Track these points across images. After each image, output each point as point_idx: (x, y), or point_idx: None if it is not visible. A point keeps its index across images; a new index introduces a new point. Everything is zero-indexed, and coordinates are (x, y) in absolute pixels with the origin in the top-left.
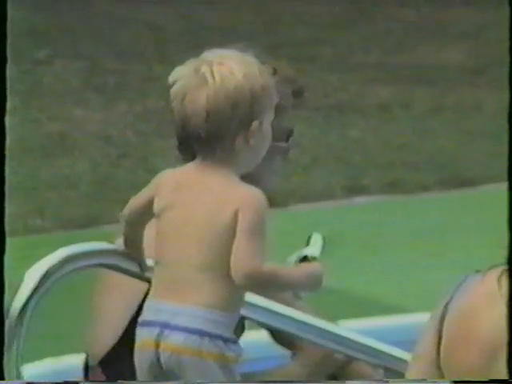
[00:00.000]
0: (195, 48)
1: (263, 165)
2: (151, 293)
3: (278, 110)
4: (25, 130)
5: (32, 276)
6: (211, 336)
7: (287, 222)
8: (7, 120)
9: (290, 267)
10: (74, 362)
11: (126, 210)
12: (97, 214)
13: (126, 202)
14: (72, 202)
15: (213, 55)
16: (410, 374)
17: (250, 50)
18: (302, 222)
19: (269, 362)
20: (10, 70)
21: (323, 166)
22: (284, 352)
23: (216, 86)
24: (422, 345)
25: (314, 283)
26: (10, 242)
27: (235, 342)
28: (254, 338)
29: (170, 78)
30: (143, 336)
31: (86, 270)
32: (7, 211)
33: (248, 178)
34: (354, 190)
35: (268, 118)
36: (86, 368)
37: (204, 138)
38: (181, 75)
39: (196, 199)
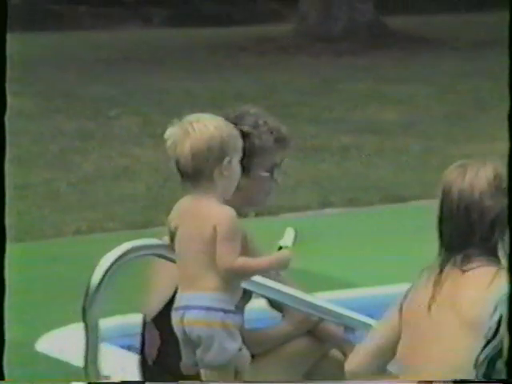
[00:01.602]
0: (217, 108)
1: (259, 189)
2: (178, 287)
3: (262, 151)
4: (101, 163)
5: (106, 261)
6: (215, 310)
7: (278, 227)
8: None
9: (260, 257)
10: (135, 319)
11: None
12: (150, 219)
13: (169, 211)
14: (133, 212)
15: (192, 117)
16: (374, 331)
17: (254, 108)
18: (288, 225)
19: (267, 321)
20: (91, 124)
21: (303, 187)
22: (277, 315)
23: (195, 136)
24: (389, 315)
25: (281, 266)
26: (92, 237)
27: (235, 313)
28: (257, 305)
29: (165, 136)
30: (174, 318)
31: (143, 258)
32: (91, 217)
33: (248, 198)
34: (325, 204)
35: (236, 156)
36: (144, 323)
37: (191, 174)
38: (171, 133)
39: (191, 221)
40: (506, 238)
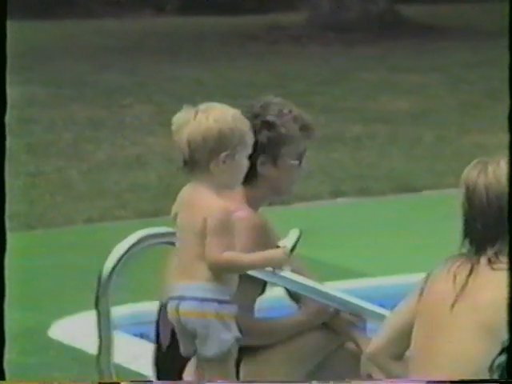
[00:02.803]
0: (229, 97)
1: (287, 178)
2: (170, 278)
3: (288, 140)
4: (114, 151)
5: (119, 249)
6: (209, 300)
7: (291, 216)
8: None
9: (249, 254)
10: (147, 307)
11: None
12: (162, 208)
13: None
14: (144, 200)
15: (203, 106)
16: (388, 322)
17: (277, 98)
18: (301, 215)
19: (284, 310)
20: (103, 112)
21: (316, 177)
22: (294, 305)
23: (194, 125)
24: (408, 301)
25: (274, 264)
26: (104, 226)
27: (229, 303)
28: (275, 295)
29: (172, 119)
30: (169, 308)
31: (155, 247)
32: (103, 205)
33: (276, 188)
34: (336, 193)
35: (241, 151)
36: (160, 310)
37: (188, 162)
38: (177, 117)
39: (186, 210)
40: None
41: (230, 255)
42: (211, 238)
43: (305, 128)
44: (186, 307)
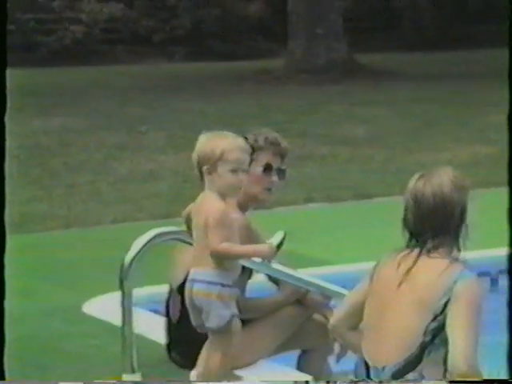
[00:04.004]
0: (225, 125)
1: (256, 183)
2: (187, 265)
3: (256, 149)
4: (133, 167)
5: (137, 243)
6: (213, 283)
7: (272, 218)
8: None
9: (242, 246)
10: (160, 289)
11: (185, 213)
12: (171, 212)
13: (187, 205)
14: (157, 206)
15: (206, 134)
16: (346, 299)
17: (259, 126)
18: (280, 217)
19: (266, 292)
20: (126, 137)
21: (292, 187)
22: (274, 286)
23: (196, 146)
24: (359, 285)
25: (261, 256)
26: (125, 226)
27: (231, 286)
28: (258, 279)
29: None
30: (186, 288)
31: (167, 242)
32: (125, 210)
33: (250, 194)
34: (308, 200)
35: (223, 165)
36: (170, 291)
37: (198, 173)
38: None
39: (195, 212)
40: (466, 227)
41: (226, 245)
42: (210, 232)
43: (271, 142)
44: (196, 288)
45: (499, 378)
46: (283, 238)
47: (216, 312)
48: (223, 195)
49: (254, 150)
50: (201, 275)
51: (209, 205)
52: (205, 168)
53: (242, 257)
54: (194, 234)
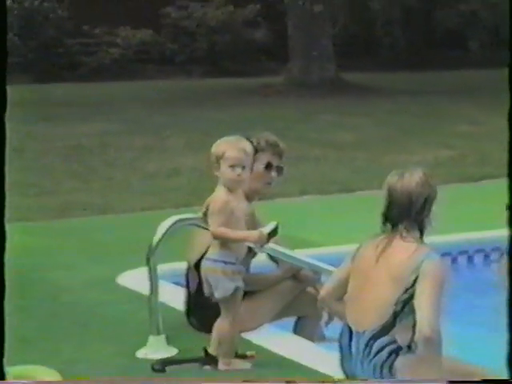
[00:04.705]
0: (236, 130)
1: (258, 179)
2: (203, 247)
3: (258, 150)
4: (159, 166)
5: (162, 227)
6: (218, 261)
7: (274, 207)
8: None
9: (236, 231)
10: (181, 265)
11: (205, 204)
12: (190, 202)
13: (202, 197)
14: (179, 197)
15: (222, 138)
16: (333, 275)
17: (262, 131)
18: (280, 206)
19: (267, 268)
20: (152, 141)
21: (290, 182)
22: (274, 264)
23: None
24: (345, 263)
25: (253, 242)
26: (153, 213)
27: (234, 263)
28: (261, 258)
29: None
30: (202, 266)
31: (186, 227)
32: (152, 200)
33: (254, 188)
34: (303, 192)
35: (224, 162)
36: (188, 267)
37: (214, 170)
38: None
39: (208, 202)
40: (431, 216)
41: (223, 230)
42: (211, 218)
43: (271, 144)
44: (206, 265)
45: (499, 378)
46: (276, 228)
47: (221, 285)
48: (229, 188)
49: (257, 150)
50: (209, 254)
51: (214, 195)
52: (215, 166)
53: (236, 240)
54: (208, 219)
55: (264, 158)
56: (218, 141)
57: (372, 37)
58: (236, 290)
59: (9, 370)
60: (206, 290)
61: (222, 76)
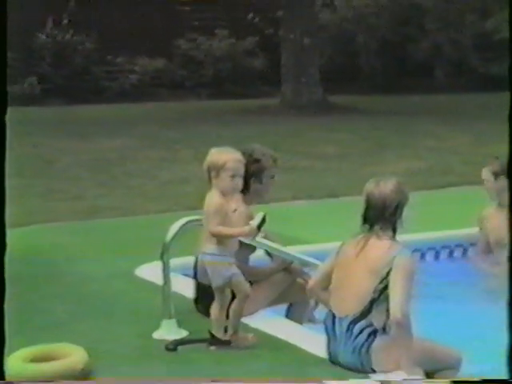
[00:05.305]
0: (235, 144)
1: (266, 189)
2: (201, 243)
3: (267, 168)
4: (171, 175)
5: (174, 227)
6: (214, 255)
7: (269, 210)
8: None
9: (231, 228)
10: (190, 260)
11: None
12: (198, 206)
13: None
14: (188, 201)
15: (214, 149)
16: (319, 268)
17: (259, 145)
18: (275, 210)
19: (263, 262)
20: (165, 153)
21: (283, 189)
22: (269, 259)
23: (206, 159)
24: (329, 257)
25: (246, 235)
26: (166, 215)
27: (226, 256)
28: (258, 254)
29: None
30: (199, 259)
31: (194, 227)
32: (166, 204)
33: (261, 195)
34: (294, 198)
35: (224, 172)
36: (196, 261)
37: (207, 177)
38: None
39: (205, 204)
40: (402, 218)
41: (219, 228)
42: (209, 218)
43: (274, 162)
44: (204, 259)
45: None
46: (263, 219)
47: (216, 275)
48: (224, 193)
49: (265, 168)
50: (207, 250)
51: (210, 199)
52: (212, 174)
53: (231, 236)
54: (204, 220)
55: (271, 171)
56: (214, 151)
57: (354, 65)
58: (228, 280)
59: (43, 347)
60: (204, 280)
61: (225, 98)
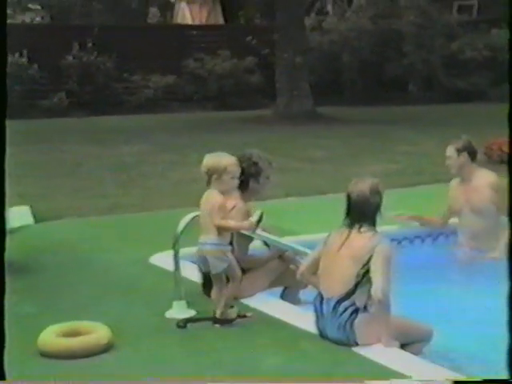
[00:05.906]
0: (233, 150)
1: (263, 188)
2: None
3: (264, 171)
4: (181, 176)
5: (183, 221)
6: (214, 244)
7: (264, 206)
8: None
9: (232, 222)
10: (192, 250)
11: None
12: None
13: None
14: (197, 199)
15: (210, 154)
16: (309, 256)
17: (255, 150)
18: (270, 206)
19: (261, 251)
20: (175, 156)
21: (277, 187)
22: (266, 248)
23: (204, 162)
24: (317, 247)
25: (245, 229)
26: (177, 210)
27: (225, 245)
28: (256, 244)
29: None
30: (198, 249)
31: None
32: (176, 201)
33: (258, 193)
34: (287, 195)
35: (225, 175)
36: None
37: (206, 178)
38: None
39: (204, 202)
40: (380, 216)
41: (223, 221)
42: (214, 214)
43: (270, 164)
44: (204, 248)
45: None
46: (261, 216)
47: (215, 263)
48: (224, 192)
49: (262, 171)
50: (208, 240)
51: (213, 198)
52: (214, 176)
53: (233, 229)
54: (201, 215)
55: (267, 172)
56: (210, 156)
57: (339, 81)
58: (226, 267)
59: (71, 324)
60: (205, 267)
61: (227, 109)
